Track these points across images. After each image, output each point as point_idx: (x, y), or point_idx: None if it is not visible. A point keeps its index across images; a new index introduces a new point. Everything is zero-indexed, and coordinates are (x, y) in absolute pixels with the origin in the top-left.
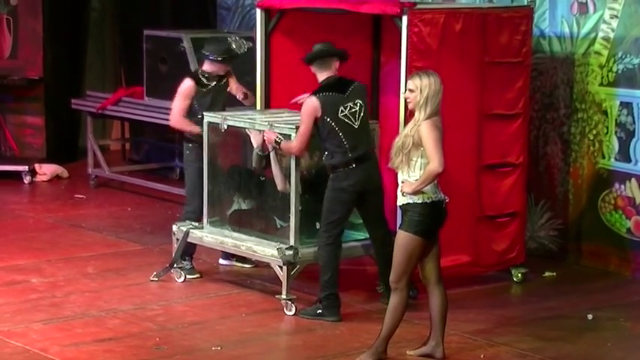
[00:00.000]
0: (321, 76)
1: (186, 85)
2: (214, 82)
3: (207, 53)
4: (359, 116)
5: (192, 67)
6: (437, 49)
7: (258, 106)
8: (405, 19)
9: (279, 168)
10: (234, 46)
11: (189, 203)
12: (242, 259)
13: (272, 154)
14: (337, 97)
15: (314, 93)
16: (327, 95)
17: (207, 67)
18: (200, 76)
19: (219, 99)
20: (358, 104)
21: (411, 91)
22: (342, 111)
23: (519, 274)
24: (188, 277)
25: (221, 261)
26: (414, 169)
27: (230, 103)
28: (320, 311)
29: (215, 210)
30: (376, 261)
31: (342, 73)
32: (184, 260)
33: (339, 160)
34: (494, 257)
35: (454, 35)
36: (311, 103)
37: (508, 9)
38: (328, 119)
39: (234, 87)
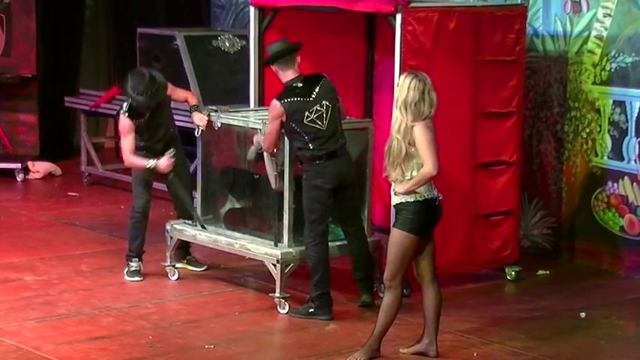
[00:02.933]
0: (285, 76)
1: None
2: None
3: (130, 93)
4: (326, 117)
5: (186, 65)
6: (431, 47)
7: (252, 104)
8: (399, 17)
9: (273, 167)
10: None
11: (135, 203)
12: (193, 263)
13: (265, 153)
14: (303, 102)
15: (279, 97)
16: (292, 102)
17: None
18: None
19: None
20: (325, 106)
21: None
22: (307, 116)
23: (513, 273)
24: (128, 278)
25: (176, 264)
26: (401, 173)
27: None
28: (312, 310)
29: (208, 208)
30: (350, 256)
31: (337, 72)
32: (131, 261)
33: (305, 157)
34: (487, 255)
35: (448, 33)
36: (276, 108)
37: (502, 7)
38: (293, 125)
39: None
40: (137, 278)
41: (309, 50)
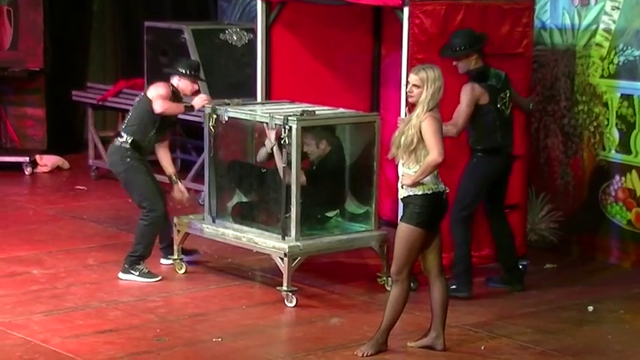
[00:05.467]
0: (471, 63)
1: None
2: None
3: (180, 69)
4: (508, 104)
5: (194, 59)
6: (438, 40)
7: (259, 98)
8: (406, 10)
9: (284, 161)
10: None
11: (156, 207)
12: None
13: (275, 149)
14: (494, 88)
15: (474, 80)
16: (487, 85)
17: (180, 83)
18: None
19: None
20: (508, 94)
21: (417, 86)
22: (501, 99)
23: (520, 266)
24: (146, 280)
25: (162, 260)
26: (414, 162)
27: None
28: (454, 287)
29: (215, 202)
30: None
31: (344, 66)
32: (139, 264)
33: (488, 145)
34: (494, 249)
35: (455, 27)
36: (474, 89)
37: (509, 1)
38: (490, 106)
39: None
40: (157, 278)
41: (316, 44)
